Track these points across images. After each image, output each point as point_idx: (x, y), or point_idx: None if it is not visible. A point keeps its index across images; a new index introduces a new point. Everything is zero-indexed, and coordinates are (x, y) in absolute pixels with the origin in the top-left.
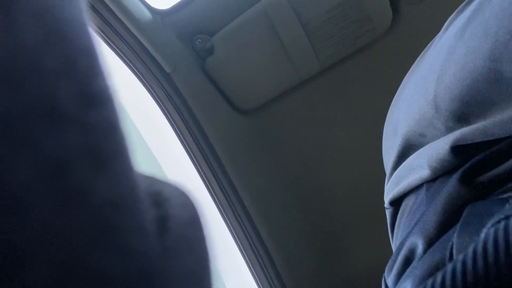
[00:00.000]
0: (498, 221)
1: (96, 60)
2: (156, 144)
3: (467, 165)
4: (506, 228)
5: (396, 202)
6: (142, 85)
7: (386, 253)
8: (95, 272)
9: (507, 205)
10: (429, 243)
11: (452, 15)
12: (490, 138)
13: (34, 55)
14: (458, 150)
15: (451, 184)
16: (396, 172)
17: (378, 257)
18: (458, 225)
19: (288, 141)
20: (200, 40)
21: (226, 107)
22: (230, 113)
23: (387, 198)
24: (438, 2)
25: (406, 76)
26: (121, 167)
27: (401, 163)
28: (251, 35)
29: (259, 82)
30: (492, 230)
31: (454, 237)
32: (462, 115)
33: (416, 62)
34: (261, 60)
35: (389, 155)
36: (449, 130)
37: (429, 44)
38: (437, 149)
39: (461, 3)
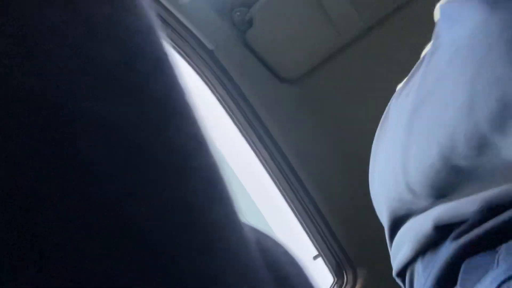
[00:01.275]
0: (503, 281)
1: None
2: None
3: (457, 231)
4: None
5: (401, 274)
6: (187, 64)
7: None
8: None
9: (499, 257)
10: None
11: (393, 99)
12: (463, 219)
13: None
14: (440, 226)
15: (446, 248)
16: (393, 244)
17: None
18: (458, 281)
19: (336, 106)
20: (238, 13)
21: (271, 78)
22: (275, 84)
23: (394, 270)
24: None
25: (375, 138)
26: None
27: (395, 234)
28: (289, 1)
29: (302, 49)
30: None
31: None
32: (438, 195)
33: (380, 125)
34: (302, 26)
35: (382, 221)
36: (431, 204)
37: (385, 112)
38: (421, 226)
39: None
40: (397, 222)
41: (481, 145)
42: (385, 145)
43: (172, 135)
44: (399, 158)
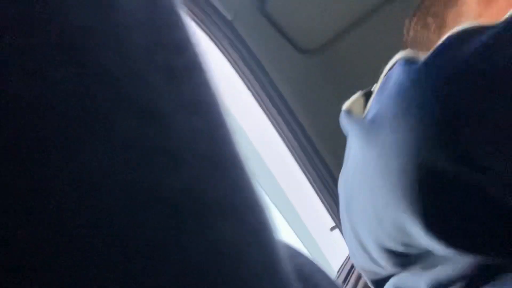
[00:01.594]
0: None
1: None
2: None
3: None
4: None
5: None
6: (205, 34)
7: None
8: None
9: None
10: None
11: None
12: None
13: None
14: None
15: None
16: None
17: None
18: None
19: (357, 77)
20: None
21: (291, 48)
22: (295, 54)
23: None
24: None
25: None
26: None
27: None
28: None
29: (323, 18)
30: None
31: None
32: (402, 267)
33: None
34: None
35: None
36: (402, 271)
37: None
38: None
39: None
40: (378, 283)
41: (403, 244)
42: (342, 218)
43: (246, 194)
44: (353, 239)
